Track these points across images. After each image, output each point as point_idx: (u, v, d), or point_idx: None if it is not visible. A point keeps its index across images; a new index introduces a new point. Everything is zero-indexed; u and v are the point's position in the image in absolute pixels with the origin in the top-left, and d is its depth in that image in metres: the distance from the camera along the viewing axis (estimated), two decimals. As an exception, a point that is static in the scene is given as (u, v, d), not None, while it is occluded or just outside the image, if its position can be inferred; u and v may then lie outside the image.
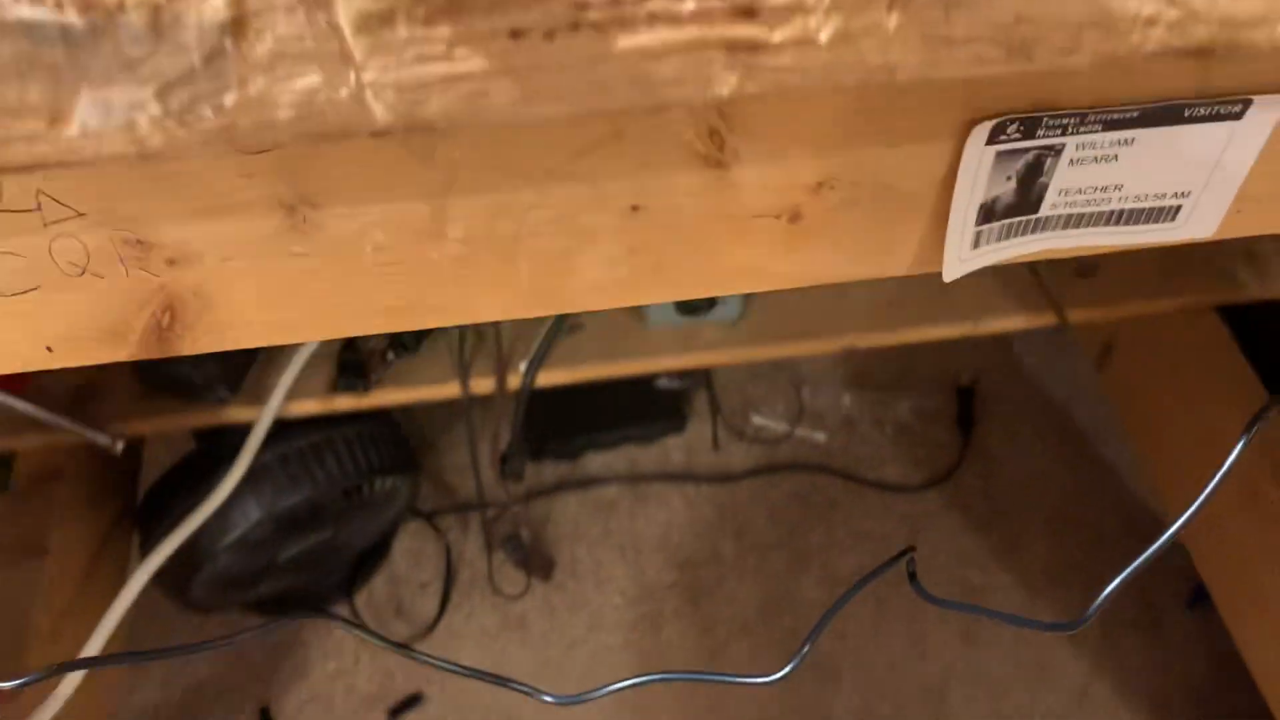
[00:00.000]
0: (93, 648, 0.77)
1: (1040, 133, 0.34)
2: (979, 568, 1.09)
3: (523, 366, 0.87)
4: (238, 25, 0.18)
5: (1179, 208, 0.38)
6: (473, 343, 0.88)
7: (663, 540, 1.12)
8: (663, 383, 1.09)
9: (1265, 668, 0.90)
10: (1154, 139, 0.35)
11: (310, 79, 0.19)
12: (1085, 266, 0.93)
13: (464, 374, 0.86)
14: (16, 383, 0.82)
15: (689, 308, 0.87)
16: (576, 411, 1.14)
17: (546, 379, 0.88)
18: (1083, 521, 1.12)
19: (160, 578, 0.90)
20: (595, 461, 1.17)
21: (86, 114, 0.19)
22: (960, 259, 0.37)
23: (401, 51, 0.19)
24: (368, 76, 0.19)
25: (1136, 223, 0.38)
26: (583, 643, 1.05)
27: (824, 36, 0.20)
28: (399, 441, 0.94)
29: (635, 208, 0.34)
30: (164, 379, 0.82)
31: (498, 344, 0.87)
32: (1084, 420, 1.20)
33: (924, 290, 0.91)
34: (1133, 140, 0.35)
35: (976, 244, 0.37)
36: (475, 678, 0.43)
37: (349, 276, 0.35)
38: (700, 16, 0.19)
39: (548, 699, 0.43)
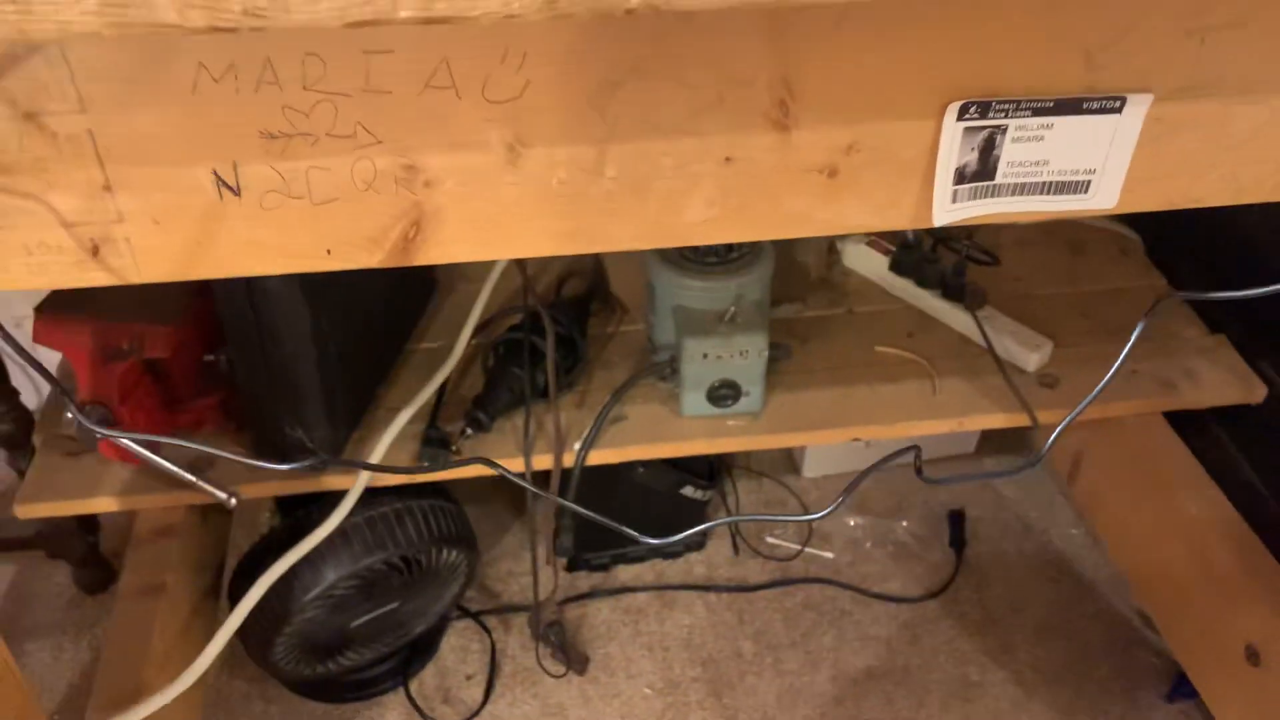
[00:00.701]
0: (200, 667, 0.88)
1: (990, 114, 0.52)
2: (976, 666, 1.20)
3: (576, 446, 1.02)
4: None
5: (1089, 182, 0.56)
6: (535, 427, 1.03)
7: (688, 640, 1.22)
8: (688, 491, 1.23)
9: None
10: (1066, 125, 0.53)
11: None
12: (1049, 379, 1.11)
13: (527, 451, 1.01)
14: (151, 446, 0.97)
15: (717, 399, 1.03)
16: (608, 528, 1.27)
17: (597, 458, 1.03)
18: (1067, 629, 1.24)
19: (248, 632, 1.01)
20: (625, 573, 1.29)
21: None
22: (945, 210, 0.55)
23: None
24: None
25: (1061, 193, 0.56)
26: (616, 728, 1.14)
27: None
28: (462, 519, 1.08)
29: (728, 159, 0.52)
30: (276, 444, 0.96)
31: (556, 428, 1.03)
32: (1060, 544, 1.33)
33: (917, 394, 1.08)
34: (1052, 125, 0.53)
35: (954, 200, 0.55)
36: None
37: (538, 204, 0.52)
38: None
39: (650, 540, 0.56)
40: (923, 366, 1.11)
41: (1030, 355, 1.11)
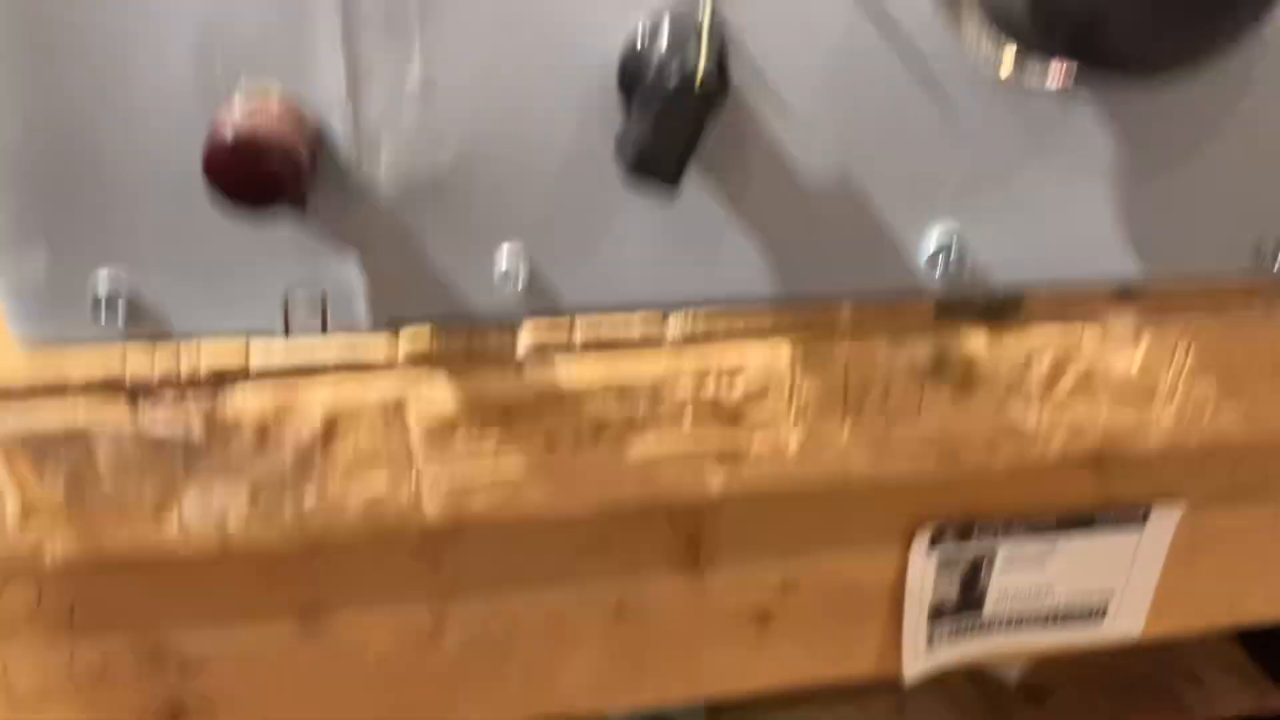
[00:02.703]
0: None
1: (974, 538, 0.38)
2: None
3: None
4: (328, 435, 0.23)
5: (1106, 607, 0.42)
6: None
7: None
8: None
9: None
10: (1073, 544, 0.40)
11: (378, 481, 0.23)
12: (1037, 692, 0.95)
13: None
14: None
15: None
16: None
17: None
18: None
19: None
20: None
21: (188, 511, 0.23)
22: (917, 657, 0.40)
23: (456, 456, 0.23)
24: (425, 479, 0.24)
25: (1070, 621, 0.42)
26: None
27: (793, 445, 0.25)
28: None
29: (619, 609, 0.38)
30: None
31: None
32: None
33: (883, 715, 0.91)
34: (1055, 545, 0.40)
35: (931, 643, 0.41)
36: None
37: (348, 686, 0.37)
38: (696, 433, 0.24)
39: None
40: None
41: (1010, 663, 0.95)
